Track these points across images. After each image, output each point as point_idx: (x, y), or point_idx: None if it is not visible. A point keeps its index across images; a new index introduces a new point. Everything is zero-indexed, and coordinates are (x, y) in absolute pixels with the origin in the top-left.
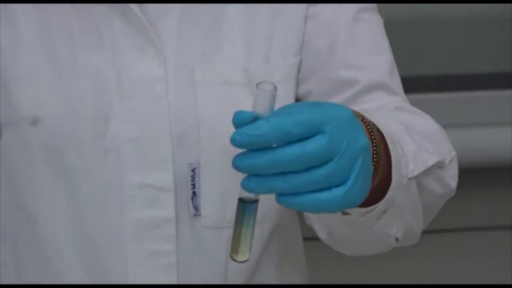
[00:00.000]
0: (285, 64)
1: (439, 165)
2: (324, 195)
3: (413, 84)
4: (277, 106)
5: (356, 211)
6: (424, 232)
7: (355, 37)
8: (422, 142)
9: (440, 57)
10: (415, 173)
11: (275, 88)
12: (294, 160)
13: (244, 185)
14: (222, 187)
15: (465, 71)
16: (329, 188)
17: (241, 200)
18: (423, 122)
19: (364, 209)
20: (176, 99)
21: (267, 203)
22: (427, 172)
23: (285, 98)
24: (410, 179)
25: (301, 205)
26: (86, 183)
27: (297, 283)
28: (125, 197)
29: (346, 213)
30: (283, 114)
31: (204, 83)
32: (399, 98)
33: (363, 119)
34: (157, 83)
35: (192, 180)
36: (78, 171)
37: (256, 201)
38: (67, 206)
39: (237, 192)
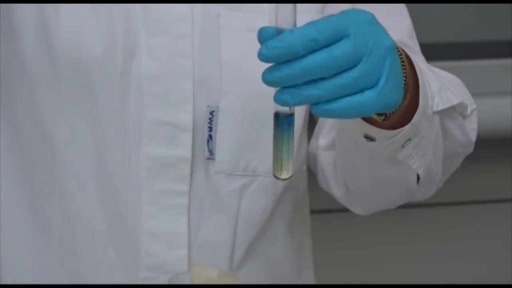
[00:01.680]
0: (308, 18)
1: (462, 112)
2: (358, 97)
3: None
4: None
5: (381, 135)
6: (424, 206)
7: (374, 4)
8: (445, 84)
9: (439, 25)
10: (440, 108)
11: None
12: (322, 66)
13: (277, 99)
14: (238, 134)
15: (465, 39)
16: (361, 90)
17: (277, 115)
18: (446, 72)
19: (390, 132)
20: (201, 40)
21: None
22: (451, 116)
23: None
24: (434, 113)
25: (336, 111)
26: (108, 115)
27: (304, 245)
28: (143, 133)
29: (371, 139)
30: (306, 25)
31: (229, 28)
32: (421, 58)
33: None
34: (183, 22)
35: (209, 123)
36: (103, 103)
37: (292, 114)
38: (88, 134)
39: (252, 141)
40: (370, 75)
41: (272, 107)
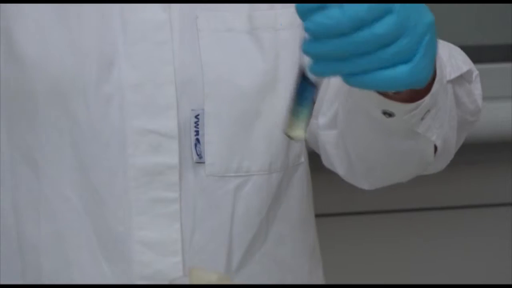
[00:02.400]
0: (290, 11)
1: (468, 78)
2: (392, 71)
3: None
4: (285, 53)
5: (401, 109)
6: (426, 209)
7: None
8: (452, 52)
9: (439, 29)
10: (452, 76)
11: None
12: (366, 43)
13: (312, 69)
14: (227, 135)
15: (464, 43)
16: (396, 65)
17: (304, 77)
18: (447, 43)
19: (411, 105)
20: (180, 45)
21: (273, 154)
22: (460, 83)
23: (291, 44)
24: (448, 82)
25: (369, 83)
26: (89, 127)
27: (314, 244)
28: (128, 143)
29: (390, 115)
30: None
31: (208, 29)
32: None
33: None
34: (162, 28)
35: (195, 127)
36: (82, 116)
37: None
38: (70, 151)
39: (242, 141)
40: (408, 51)
41: (255, 105)
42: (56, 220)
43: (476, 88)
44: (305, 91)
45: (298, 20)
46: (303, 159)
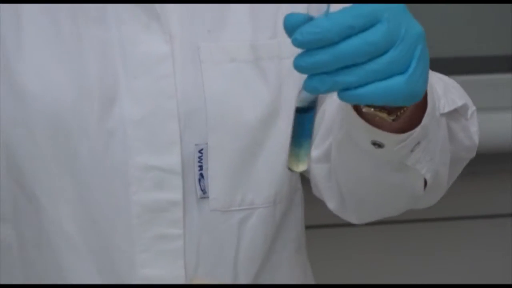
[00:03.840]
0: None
1: (464, 113)
2: (387, 83)
3: None
4: (288, 82)
5: (391, 140)
6: (424, 221)
7: None
8: (447, 86)
9: (440, 40)
10: (446, 110)
11: None
12: (356, 52)
13: (307, 85)
14: (231, 169)
15: (464, 54)
16: (391, 76)
17: (299, 110)
18: (444, 76)
19: (400, 136)
20: (183, 78)
21: (277, 184)
22: (455, 118)
23: (294, 73)
24: (441, 115)
25: (365, 96)
26: (91, 164)
27: (306, 265)
28: (131, 179)
29: (379, 146)
30: (341, 11)
31: (211, 61)
32: None
33: None
34: (164, 61)
35: (199, 162)
36: (83, 152)
37: (313, 108)
38: (71, 188)
39: (246, 174)
40: (402, 61)
41: (259, 137)
42: (59, 258)
43: (473, 125)
44: (302, 121)
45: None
46: (299, 184)
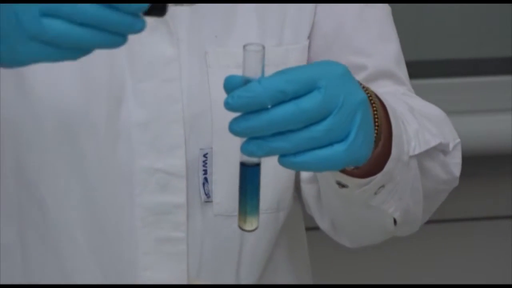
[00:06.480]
0: (298, 47)
1: (443, 149)
2: (326, 151)
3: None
4: None
5: (353, 182)
6: (424, 223)
7: (363, 23)
8: (425, 123)
9: (440, 42)
10: (417, 152)
11: (263, 47)
12: (290, 118)
13: (244, 149)
14: (235, 174)
15: (465, 56)
16: (330, 144)
17: (243, 165)
18: (428, 107)
19: (362, 180)
20: (189, 82)
21: (281, 191)
22: (431, 155)
23: None
24: (411, 157)
25: (303, 164)
26: (97, 166)
27: (305, 275)
28: (135, 182)
29: (343, 186)
30: (275, 75)
31: (217, 66)
32: (405, 88)
33: (364, 88)
34: (170, 65)
35: (204, 166)
36: (90, 154)
37: (258, 164)
38: (77, 189)
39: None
40: (340, 129)
41: None
42: (62, 259)
43: (454, 157)
44: (249, 179)
45: (305, 57)
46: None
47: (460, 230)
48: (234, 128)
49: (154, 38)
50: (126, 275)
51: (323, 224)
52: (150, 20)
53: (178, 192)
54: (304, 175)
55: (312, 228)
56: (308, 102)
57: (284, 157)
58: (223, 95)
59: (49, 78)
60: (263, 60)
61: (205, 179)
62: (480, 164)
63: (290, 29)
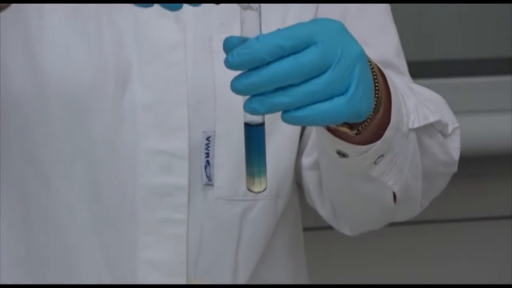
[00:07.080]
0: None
1: (442, 130)
2: (327, 104)
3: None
4: None
5: (353, 150)
6: (423, 223)
7: (365, 14)
8: (424, 101)
9: (440, 42)
10: (416, 125)
11: (259, 6)
12: (290, 72)
13: (246, 107)
14: (237, 158)
15: (465, 56)
16: (331, 97)
17: (247, 125)
18: (428, 91)
19: (362, 147)
20: (194, 66)
21: (281, 179)
22: (429, 133)
23: None
24: (410, 130)
25: (306, 118)
26: (101, 145)
27: (300, 266)
28: (138, 162)
29: (343, 155)
30: (273, 32)
31: (221, 52)
32: (406, 78)
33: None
34: (176, 49)
35: (206, 149)
36: (95, 133)
37: (262, 124)
38: (81, 167)
39: None
40: (340, 82)
41: (266, 129)
42: (64, 235)
43: (453, 141)
44: (254, 139)
45: None
46: (295, 184)
47: (460, 230)
48: (235, 86)
49: (161, 23)
50: (126, 253)
51: (324, 210)
52: (157, 6)
53: (180, 174)
54: (305, 162)
55: (309, 228)
56: (307, 56)
57: (287, 113)
58: (227, 80)
59: (60, 57)
60: (260, 19)
61: (207, 162)
62: (480, 164)
63: (293, 19)
